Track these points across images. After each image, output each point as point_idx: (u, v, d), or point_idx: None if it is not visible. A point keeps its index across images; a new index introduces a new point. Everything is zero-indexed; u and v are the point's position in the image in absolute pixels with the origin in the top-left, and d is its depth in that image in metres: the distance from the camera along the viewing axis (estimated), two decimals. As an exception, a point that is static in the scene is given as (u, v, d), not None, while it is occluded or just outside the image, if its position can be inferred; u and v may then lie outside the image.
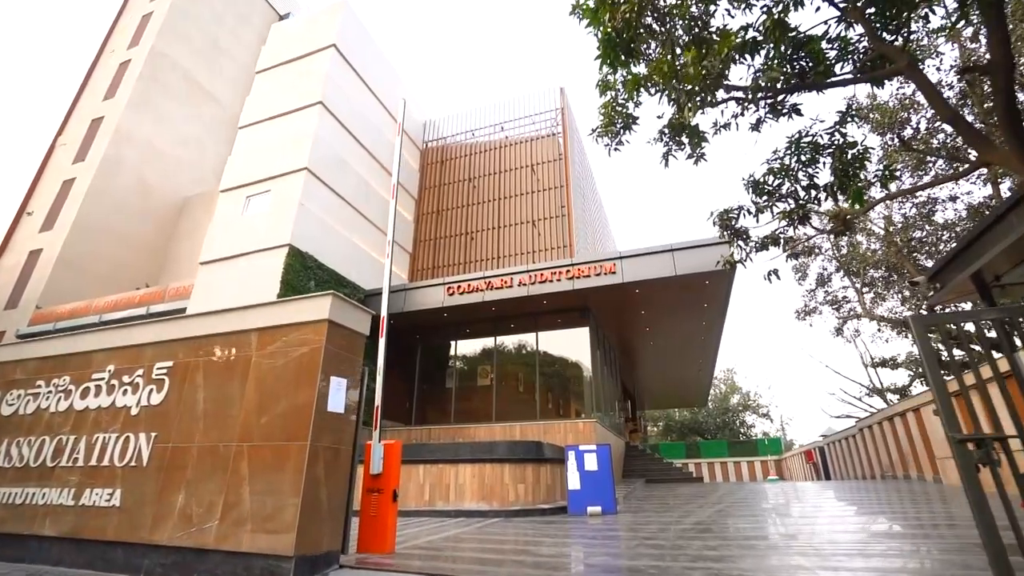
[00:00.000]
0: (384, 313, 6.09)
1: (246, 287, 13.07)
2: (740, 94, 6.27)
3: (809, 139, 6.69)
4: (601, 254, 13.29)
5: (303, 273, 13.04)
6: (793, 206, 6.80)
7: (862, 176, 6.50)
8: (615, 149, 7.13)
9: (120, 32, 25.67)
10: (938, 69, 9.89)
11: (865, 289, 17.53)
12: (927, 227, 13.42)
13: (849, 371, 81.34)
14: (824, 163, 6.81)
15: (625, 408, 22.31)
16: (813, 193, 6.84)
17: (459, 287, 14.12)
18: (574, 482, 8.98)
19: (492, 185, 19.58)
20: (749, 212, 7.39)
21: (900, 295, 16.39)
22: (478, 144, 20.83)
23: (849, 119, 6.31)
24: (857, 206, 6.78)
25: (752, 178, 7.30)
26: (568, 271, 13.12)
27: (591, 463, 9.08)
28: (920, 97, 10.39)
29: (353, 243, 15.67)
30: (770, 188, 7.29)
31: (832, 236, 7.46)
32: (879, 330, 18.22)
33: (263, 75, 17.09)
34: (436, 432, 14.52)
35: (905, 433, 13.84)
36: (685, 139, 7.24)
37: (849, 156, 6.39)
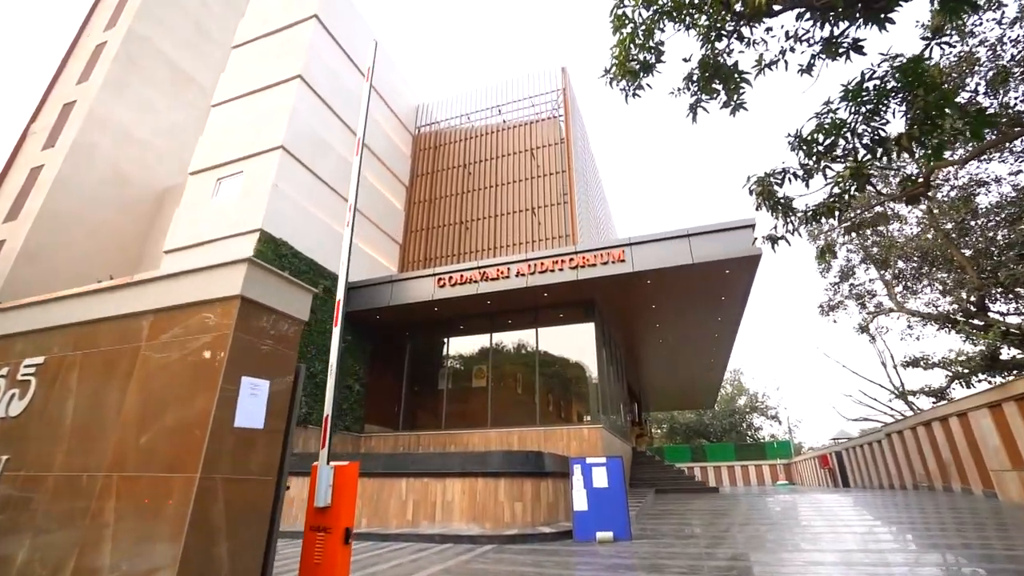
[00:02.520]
0: (340, 295, 4.76)
1: (213, 278, 11.72)
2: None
3: (876, 81, 5.36)
4: (608, 241, 11.97)
5: (276, 262, 11.72)
6: (854, 166, 5.45)
7: (947, 124, 5.17)
8: (634, 95, 5.81)
9: (99, 14, 24.36)
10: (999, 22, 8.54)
11: (894, 282, 16.14)
12: (975, 210, 12.04)
13: (862, 372, 79.91)
14: (893, 111, 5.50)
15: (631, 411, 20.99)
16: (880, 150, 5.51)
17: (451, 278, 12.80)
18: (580, 502, 7.65)
19: (489, 171, 18.26)
20: (796, 176, 6.07)
21: (939, 287, 14.97)
22: (474, 128, 19.52)
23: (938, 47, 4.95)
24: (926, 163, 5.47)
25: (799, 134, 5.97)
26: (571, 259, 11.80)
27: (600, 479, 7.75)
28: (981, 53, 9.04)
29: (335, 231, 14.34)
30: (820, 148, 5.97)
31: (905, 203, 6.11)
32: (909, 327, 16.87)
33: (240, 50, 15.78)
34: (426, 438, 13.18)
35: (946, 440, 12.49)
36: (719, 85, 5.93)
37: (930, 99, 5.06)
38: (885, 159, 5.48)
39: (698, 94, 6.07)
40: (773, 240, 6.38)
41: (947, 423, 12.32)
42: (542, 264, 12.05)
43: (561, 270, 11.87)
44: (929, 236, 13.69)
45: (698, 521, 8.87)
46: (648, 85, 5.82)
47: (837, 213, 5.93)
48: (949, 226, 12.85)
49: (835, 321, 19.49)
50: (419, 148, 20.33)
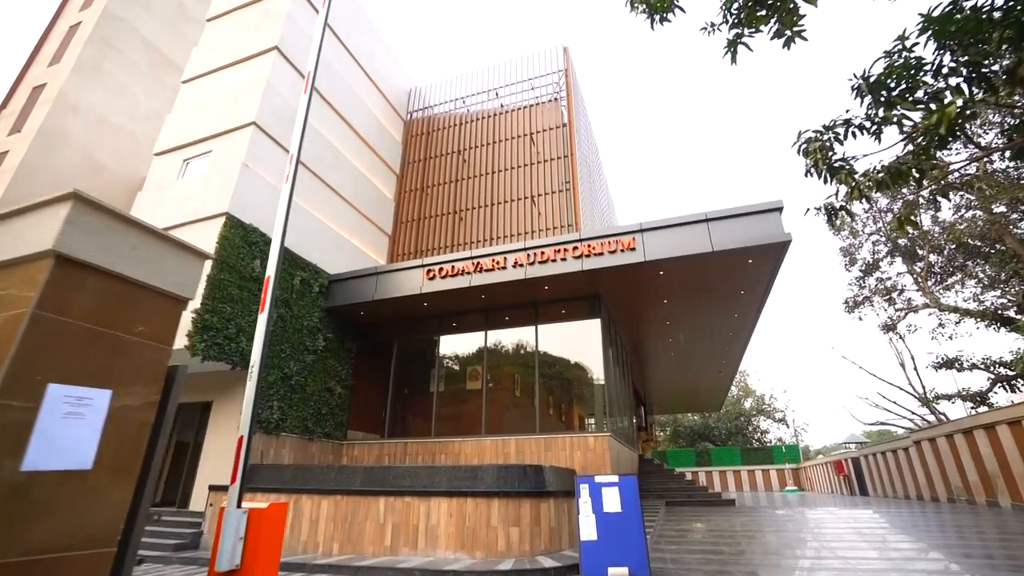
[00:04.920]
0: (271, 270, 3.52)
1: (174, 268, 10.49)
2: None
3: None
4: (617, 227, 10.75)
5: (245, 250, 10.47)
6: (956, 105, 4.20)
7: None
8: (663, 21, 4.58)
9: (75, -5, 23.13)
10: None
11: (927, 276, 14.83)
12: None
13: (876, 374, 78.70)
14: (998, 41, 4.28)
15: (638, 415, 19.76)
16: (980, 89, 4.28)
17: (441, 269, 11.57)
18: (588, 529, 6.39)
19: (485, 157, 17.02)
20: (863, 129, 4.84)
21: (976, 280, 13.68)
22: (469, 113, 18.28)
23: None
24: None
25: (866, 75, 4.74)
26: (575, 248, 10.56)
27: (612, 502, 6.50)
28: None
29: (315, 218, 13.10)
30: (889, 95, 4.76)
31: (1011, 159, 4.83)
32: (940, 325, 15.57)
33: (214, 23, 14.56)
34: (414, 447, 11.94)
35: (992, 450, 11.28)
36: (765, 12, 4.70)
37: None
38: (992, 97, 4.24)
39: (740, 26, 4.85)
40: (831, 212, 5.16)
41: (994, 431, 11.09)
42: (542, 253, 10.81)
43: (564, 260, 10.63)
44: (963, 225, 12.44)
45: (726, 547, 7.63)
46: (680, 8, 4.58)
47: (917, 174, 4.69)
48: (1000, 209, 11.55)
49: (860, 318, 18.33)
50: (411, 134, 19.09)
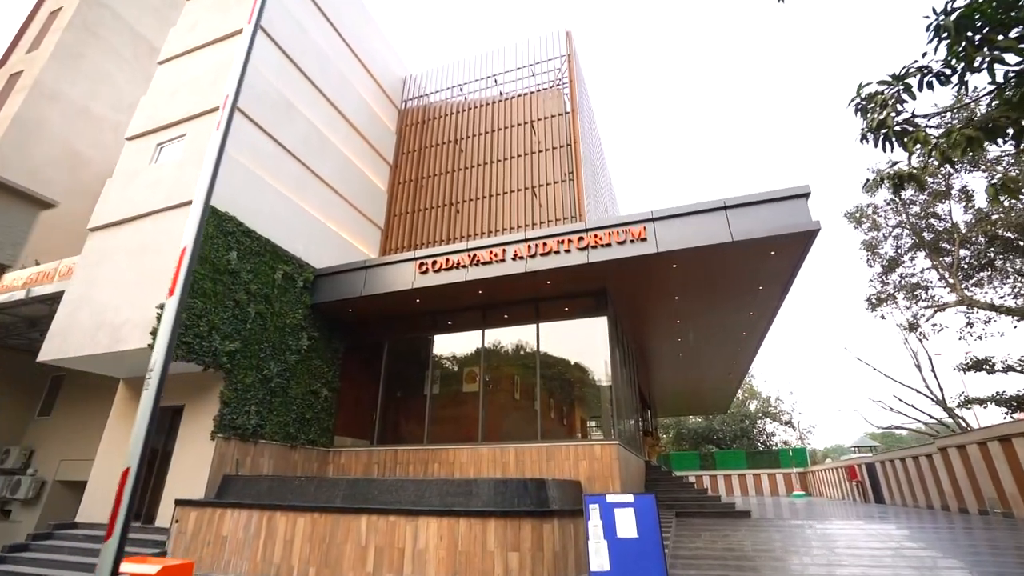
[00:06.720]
0: (189, 240, 2.66)
1: (143, 258, 9.66)
2: None
3: None
4: (625, 216, 9.85)
5: (219, 240, 9.57)
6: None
7: None
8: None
9: (57, -19, 22.24)
10: None
11: (957, 272, 13.91)
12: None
13: (885, 377, 77.76)
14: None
15: (644, 418, 18.85)
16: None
17: (434, 263, 10.68)
18: (600, 559, 5.49)
19: (482, 146, 16.12)
20: (942, 78, 3.95)
21: (1006, 276, 12.78)
22: (467, 101, 17.39)
23: None
24: None
25: (948, 9, 3.86)
26: (581, 238, 9.67)
27: (626, 526, 5.60)
28: None
29: (299, 207, 12.20)
30: (978, 33, 3.91)
31: None
32: (969, 324, 14.67)
33: (194, 1, 13.65)
34: (405, 455, 11.03)
35: (1036, 459, 10.41)
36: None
37: None
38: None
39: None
40: (899, 180, 4.24)
41: (1038, 439, 10.24)
42: (544, 244, 9.92)
43: (568, 251, 9.74)
44: (997, 215, 11.58)
45: (752, 573, 6.73)
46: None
47: (1012, 129, 3.79)
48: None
49: (883, 317, 17.45)
50: (405, 124, 18.19)
